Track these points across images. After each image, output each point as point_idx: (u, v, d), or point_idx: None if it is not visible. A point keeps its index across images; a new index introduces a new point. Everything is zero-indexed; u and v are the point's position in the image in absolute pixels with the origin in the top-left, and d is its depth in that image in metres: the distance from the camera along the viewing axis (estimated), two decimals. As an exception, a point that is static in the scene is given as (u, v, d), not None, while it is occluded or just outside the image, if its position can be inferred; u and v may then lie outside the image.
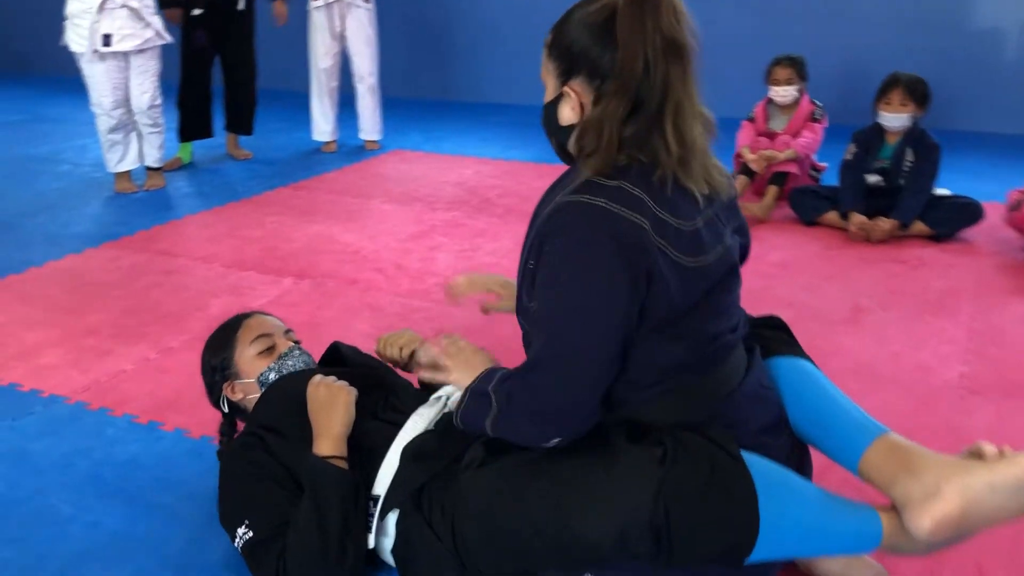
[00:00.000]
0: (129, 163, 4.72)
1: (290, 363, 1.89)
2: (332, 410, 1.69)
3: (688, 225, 1.34)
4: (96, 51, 4.36)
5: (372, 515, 1.61)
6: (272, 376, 1.88)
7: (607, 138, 1.34)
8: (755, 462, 1.36)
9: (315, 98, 5.57)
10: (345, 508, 1.58)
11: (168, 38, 4.59)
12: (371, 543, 1.61)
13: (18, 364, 2.71)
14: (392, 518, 1.60)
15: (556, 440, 1.37)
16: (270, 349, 1.92)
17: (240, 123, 5.44)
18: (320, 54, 5.45)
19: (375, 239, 3.86)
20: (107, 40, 4.34)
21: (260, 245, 3.81)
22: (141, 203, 4.54)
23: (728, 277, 1.42)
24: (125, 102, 4.56)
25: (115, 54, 4.41)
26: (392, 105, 6.97)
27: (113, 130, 4.58)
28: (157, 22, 4.51)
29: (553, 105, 1.43)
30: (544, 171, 4.99)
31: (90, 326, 2.99)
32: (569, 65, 1.39)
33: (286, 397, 1.80)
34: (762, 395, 1.51)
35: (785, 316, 2.99)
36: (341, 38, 5.44)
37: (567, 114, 1.41)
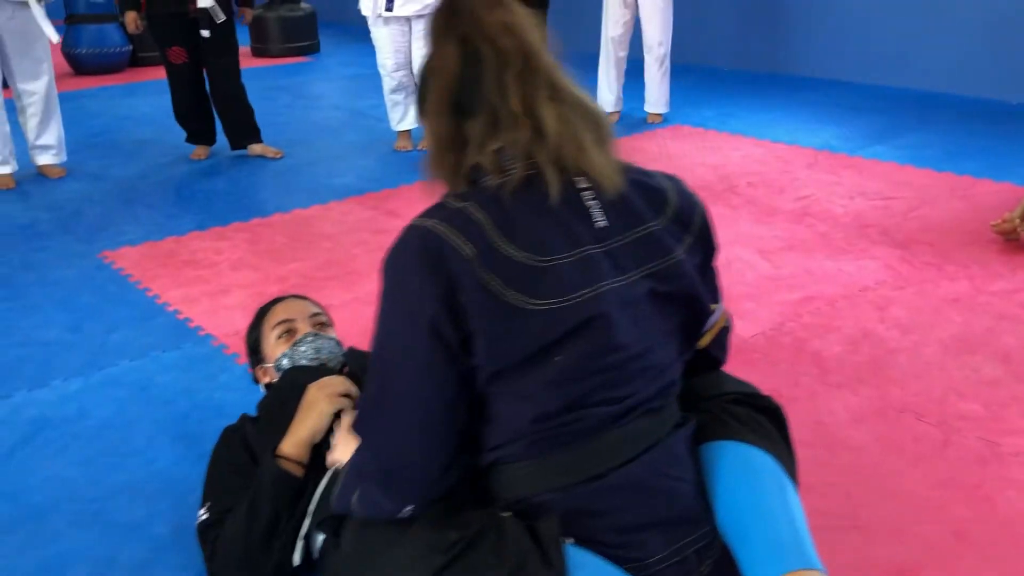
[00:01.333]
0: (408, 123, 5.02)
1: (302, 349, 1.90)
2: (306, 414, 1.66)
3: (540, 260, 1.13)
4: (380, 15, 4.67)
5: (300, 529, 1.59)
6: (285, 363, 1.89)
7: (438, 94, 1.19)
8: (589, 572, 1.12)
9: (602, 66, 5.48)
10: (276, 509, 1.57)
11: (450, 4, 4.78)
12: (296, 559, 1.58)
13: (204, 300, 3.05)
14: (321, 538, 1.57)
15: (409, 508, 1.20)
16: (289, 333, 1.94)
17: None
18: (611, 21, 5.34)
19: (585, 219, 3.75)
20: (389, 4, 4.63)
21: (475, 213, 3.87)
22: (408, 162, 4.83)
23: (598, 329, 1.15)
24: (407, 64, 4.84)
25: (397, 18, 4.68)
26: (711, 76, 6.75)
27: (394, 91, 4.90)
28: (441, -11, 4.70)
29: None
30: (820, 160, 4.48)
31: (285, 274, 3.27)
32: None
33: (278, 388, 1.83)
34: (654, 485, 1.22)
35: (989, 370, 2.48)
36: (634, 5, 5.28)
37: None
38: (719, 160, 4.56)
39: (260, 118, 4.94)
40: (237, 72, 4.80)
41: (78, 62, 7.55)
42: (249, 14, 4.90)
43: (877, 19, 6.20)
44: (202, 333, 2.81)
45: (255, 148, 4.94)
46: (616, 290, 1.17)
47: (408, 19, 4.71)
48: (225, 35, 4.66)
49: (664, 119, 5.49)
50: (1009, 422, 2.22)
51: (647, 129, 5.34)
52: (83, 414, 2.35)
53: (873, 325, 2.74)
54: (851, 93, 6.06)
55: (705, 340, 1.39)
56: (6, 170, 4.49)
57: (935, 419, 2.24)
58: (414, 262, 1.13)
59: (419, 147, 5.04)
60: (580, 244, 1.16)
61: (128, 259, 3.44)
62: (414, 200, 4.10)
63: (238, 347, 2.70)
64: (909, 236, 3.44)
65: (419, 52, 4.77)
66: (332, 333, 2.01)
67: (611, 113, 5.52)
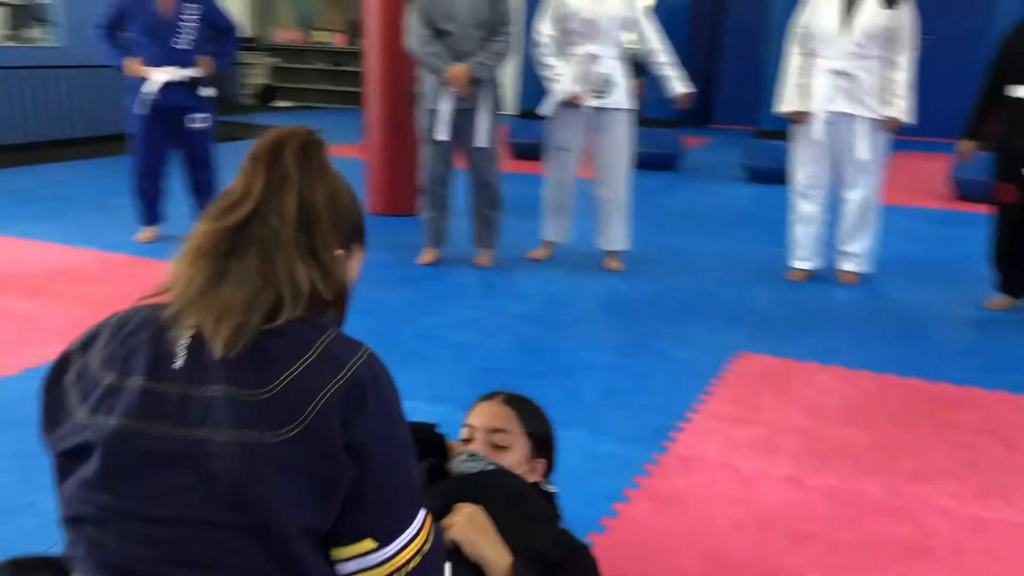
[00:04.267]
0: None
1: (461, 457, 1.82)
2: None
3: (103, 373, 1.13)
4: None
5: None
6: (451, 466, 1.82)
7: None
8: None
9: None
10: None
11: None
12: None
13: (716, 436, 2.84)
14: None
15: None
16: (467, 441, 1.88)
17: None
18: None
19: None
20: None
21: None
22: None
23: (92, 458, 1.08)
24: None
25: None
26: None
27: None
28: None
29: None
30: None
31: (781, 426, 2.86)
32: None
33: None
34: None
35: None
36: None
37: None
38: None
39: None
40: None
41: (962, 188, 7.22)
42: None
43: None
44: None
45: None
46: (131, 431, 1.08)
47: None
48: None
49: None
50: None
51: None
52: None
53: None
54: None
55: None
56: (806, 265, 4.74)
57: None
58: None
59: None
60: (134, 372, 1.12)
61: (741, 368, 3.42)
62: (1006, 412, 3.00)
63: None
64: None
65: None
66: (505, 457, 1.85)
67: None
